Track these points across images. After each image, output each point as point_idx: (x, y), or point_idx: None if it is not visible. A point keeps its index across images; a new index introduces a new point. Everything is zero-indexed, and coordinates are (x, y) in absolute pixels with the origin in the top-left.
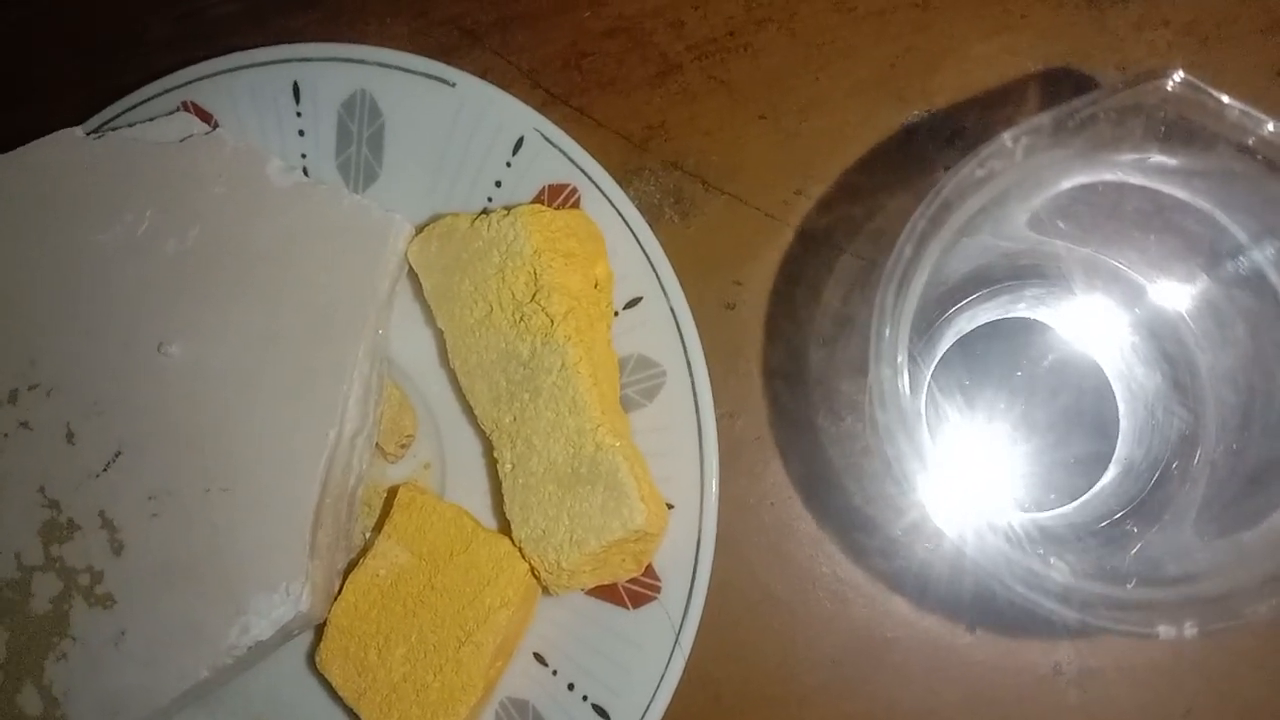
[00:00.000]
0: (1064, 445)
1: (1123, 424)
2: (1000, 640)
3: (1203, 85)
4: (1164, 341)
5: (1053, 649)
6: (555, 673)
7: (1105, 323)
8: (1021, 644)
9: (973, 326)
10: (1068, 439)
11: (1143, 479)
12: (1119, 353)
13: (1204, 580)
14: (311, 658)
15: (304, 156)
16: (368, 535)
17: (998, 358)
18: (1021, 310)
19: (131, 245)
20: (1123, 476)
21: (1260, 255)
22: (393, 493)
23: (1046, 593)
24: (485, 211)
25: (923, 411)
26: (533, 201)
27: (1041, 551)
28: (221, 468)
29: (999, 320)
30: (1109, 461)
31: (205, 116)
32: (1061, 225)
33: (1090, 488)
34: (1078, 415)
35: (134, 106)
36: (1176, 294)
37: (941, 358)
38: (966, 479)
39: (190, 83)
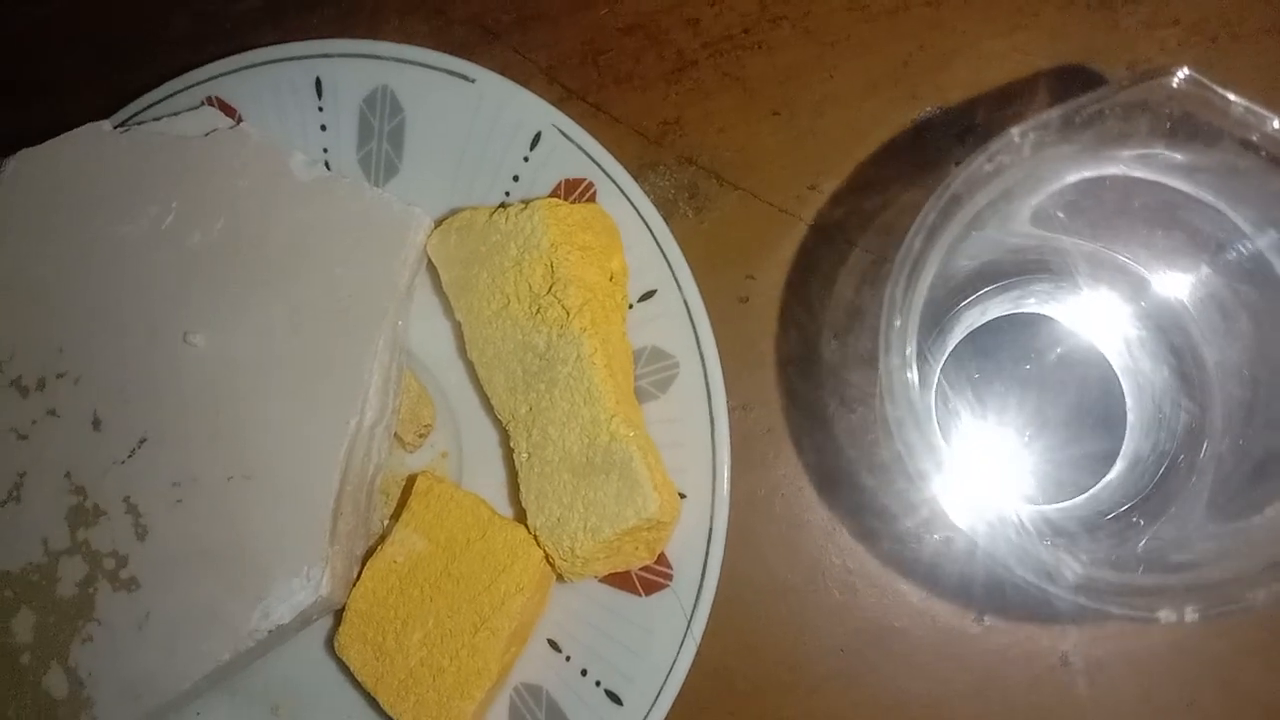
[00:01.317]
0: (1072, 439)
1: (1130, 418)
2: (1008, 630)
3: (1208, 82)
4: (1170, 335)
5: (1060, 639)
6: (569, 658)
7: (1112, 317)
8: (1029, 634)
9: (982, 321)
10: (1076, 433)
11: (1150, 472)
12: (1126, 347)
13: (1208, 567)
14: (330, 642)
15: (326, 151)
16: (386, 523)
17: (1006, 352)
18: (1030, 305)
19: (157, 237)
20: (1130, 469)
21: (1265, 249)
22: (411, 481)
23: (1055, 581)
24: (503, 205)
25: (932, 404)
26: (550, 195)
27: (1050, 543)
28: (244, 455)
29: (1008, 315)
30: (1116, 455)
31: (229, 111)
32: (1068, 220)
33: (1098, 481)
34: (1085, 409)
35: (159, 101)
36: (1182, 288)
37: (951, 352)
38: (976, 472)
39: (215, 78)
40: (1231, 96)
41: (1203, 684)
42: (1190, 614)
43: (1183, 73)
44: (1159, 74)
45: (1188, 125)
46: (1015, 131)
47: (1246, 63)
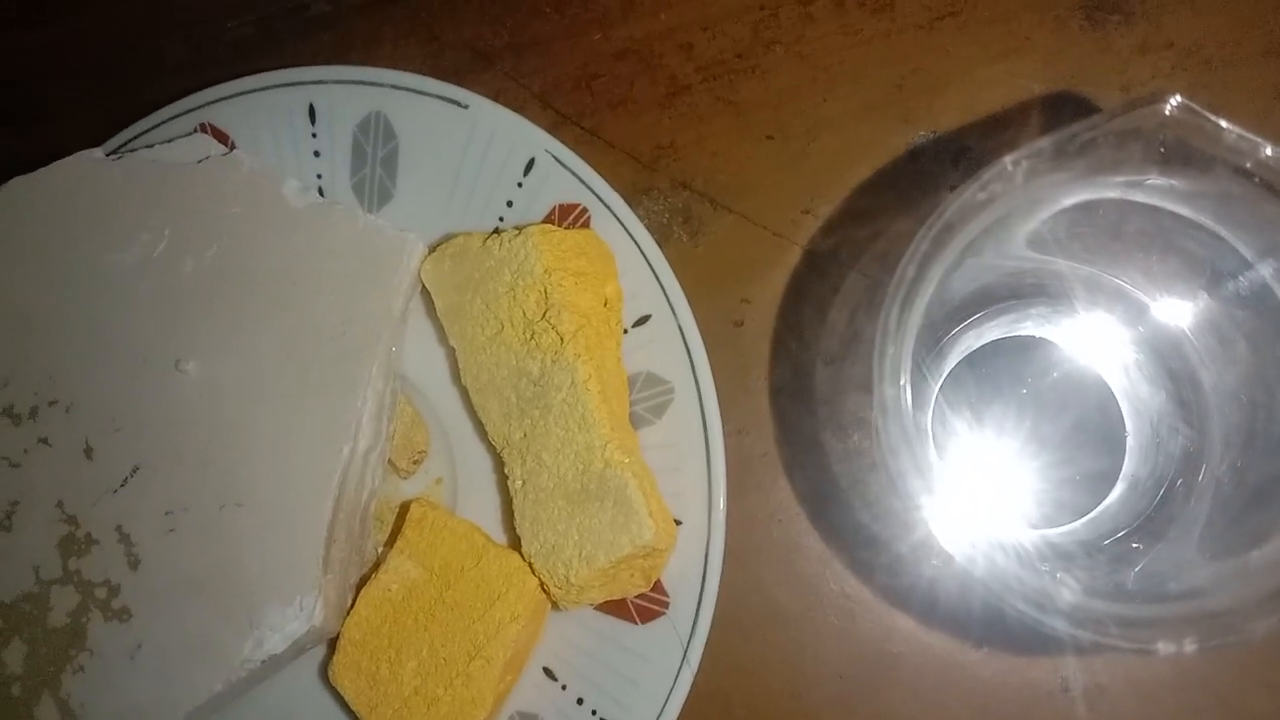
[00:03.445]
0: (1071, 462)
1: (1129, 441)
2: (1007, 656)
3: (1200, 110)
4: (1167, 359)
5: (1060, 665)
6: (564, 687)
7: (1109, 340)
8: (1028, 660)
9: (980, 344)
10: (1075, 456)
11: (1148, 495)
12: (1124, 370)
13: (1207, 596)
14: (324, 671)
15: (319, 177)
16: (380, 550)
17: (1005, 375)
18: (1027, 328)
19: (149, 264)
20: (1129, 493)
21: (1262, 273)
22: (405, 508)
23: (1052, 611)
24: (497, 231)
25: (929, 428)
26: (544, 221)
27: (1048, 568)
28: (236, 483)
29: (1005, 338)
30: (1115, 478)
31: (222, 138)
32: (1064, 244)
33: (1097, 504)
34: (1084, 432)
35: (152, 128)
36: (1179, 312)
37: (950, 374)
38: (975, 495)
39: (208, 104)
40: (1224, 123)
41: (1206, 711)
42: (1189, 645)
43: (1175, 100)
44: (1151, 101)
45: (1181, 152)
46: (1008, 160)
47: (1241, 86)
